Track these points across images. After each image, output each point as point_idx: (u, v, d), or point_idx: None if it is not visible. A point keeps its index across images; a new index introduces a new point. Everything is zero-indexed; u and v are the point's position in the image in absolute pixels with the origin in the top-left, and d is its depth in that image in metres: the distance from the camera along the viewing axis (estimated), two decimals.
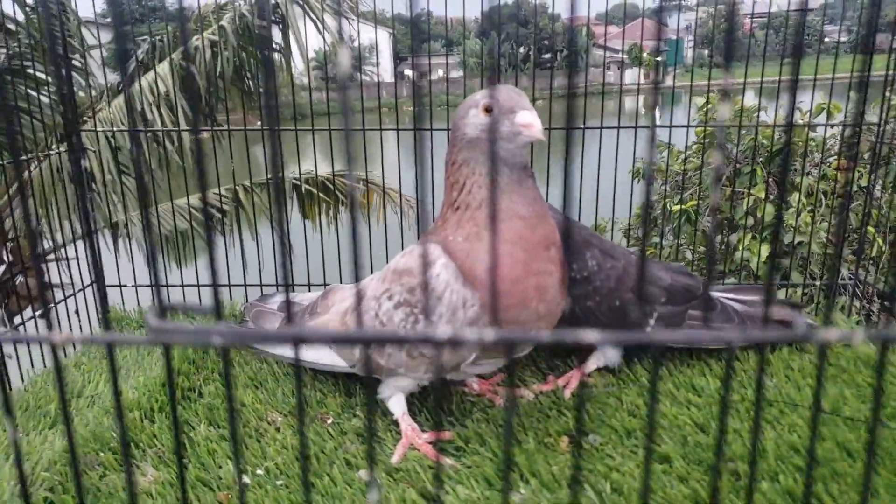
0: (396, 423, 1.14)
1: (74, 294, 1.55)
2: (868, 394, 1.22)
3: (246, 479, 1.02)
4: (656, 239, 3.38)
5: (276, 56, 4.63)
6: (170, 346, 0.40)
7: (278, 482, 1.02)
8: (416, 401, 1.22)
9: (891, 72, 1.62)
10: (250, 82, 4.38)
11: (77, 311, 1.49)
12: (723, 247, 2.80)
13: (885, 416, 1.15)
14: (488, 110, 0.97)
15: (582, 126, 1.73)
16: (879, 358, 0.41)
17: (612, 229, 3.41)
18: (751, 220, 3.22)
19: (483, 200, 0.99)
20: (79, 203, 2.08)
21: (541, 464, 1.05)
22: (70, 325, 1.50)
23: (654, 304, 1.28)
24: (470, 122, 0.99)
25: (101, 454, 1.05)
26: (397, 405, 1.15)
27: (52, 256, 3.74)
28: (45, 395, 1.21)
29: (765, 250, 2.94)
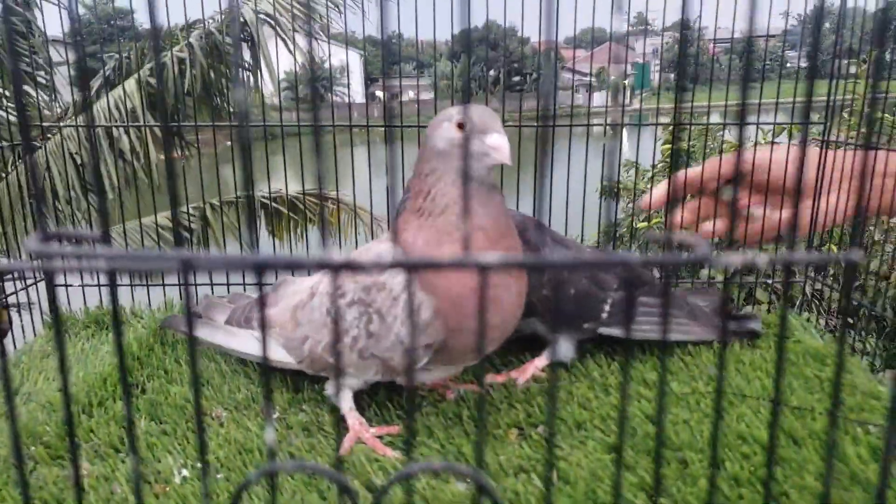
0: (344, 419, 1.12)
1: (18, 291, 1.51)
2: (815, 385, 1.23)
3: (185, 472, 0.99)
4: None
5: (246, 75, 4.64)
6: (52, 275, 0.39)
7: (219, 475, 0.99)
8: (365, 396, 1.20)
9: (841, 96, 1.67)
10: (219, 100, 4.36)
11: (21, 307, 1.46)
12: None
13: (851, 410, 1.15)
14: (461, 126, 0.97)
15: (553, 125, 1.74)
16: (785, 288, 0.41)
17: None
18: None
19: (446, 208, 0.99)
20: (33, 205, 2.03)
21: (489, 454, 1.03)
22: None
23: (608, 290, 1.28)
24: (442, 136, 0.99)
25: (33, 448, 1.01)
26: (344, 401, 1.12)
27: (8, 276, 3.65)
28: None
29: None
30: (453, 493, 0.95)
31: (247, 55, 4.52)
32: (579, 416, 1.14)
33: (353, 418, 1.11)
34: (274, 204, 4.75)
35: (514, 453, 1.04)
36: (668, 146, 3.61)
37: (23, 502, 0.77)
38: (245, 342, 1.21)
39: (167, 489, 0.96)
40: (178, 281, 1.62)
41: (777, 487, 0.95)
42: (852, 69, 2.27)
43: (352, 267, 0.38)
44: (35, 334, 1.54)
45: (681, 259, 0.39)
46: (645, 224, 3.65)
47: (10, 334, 1.68)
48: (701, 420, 1.12)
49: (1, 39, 3.12)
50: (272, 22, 4.42)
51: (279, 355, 1.14)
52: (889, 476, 0.42)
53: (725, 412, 1.14)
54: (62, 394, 0.40)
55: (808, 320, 1.57)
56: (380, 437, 1.09)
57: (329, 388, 1.16)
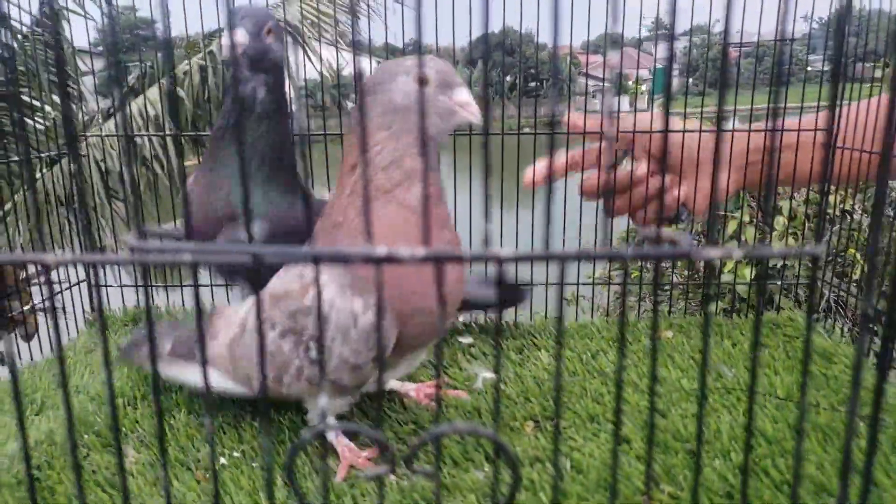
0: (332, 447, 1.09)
1: (55, 294, 1.61)
2: (820, 382, 1.29)
3: (223, 460, 1.08)
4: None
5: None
6: (147, 266, 0.47)
7: (254, 464, 1.08)
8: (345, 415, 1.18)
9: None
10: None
11: (63, 308, 1.56)
12: (708, 270, 2.86)
13: (836, 402, 1.22)
14: (422, 82, 0.88)
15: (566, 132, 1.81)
16: (762, 274, 0.48)
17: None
18: (734, 244, 3.30)
19: (393, 163, 0.90)
20: (77, 213, 2.15)
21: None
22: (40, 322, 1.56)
23: None
24: (399, 89, 0.88)
25: (86, 436, 1.11)
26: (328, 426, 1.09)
27: (37, 280, 3.78)
28: (31, 385, 1.27)
29: (747, 272, 3.00)
30: (472, 481, 1.03)
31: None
32: (592, 410, 1.21)
33: (341, 445, 1.06)
34: None
35: (529, 444, 1.12)
36: None
37: (76, 484, 0.87)
38: (196, 376, 1.13)
39: (207, 475, 1.04)
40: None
41: (779, 476, 1.02)
42: (877, 73, 2.31)
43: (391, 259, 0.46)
44: (68, 334, 1.64)
45: (667, 252, 0.47)
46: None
47: (37, 336, 1.79)
48: (708, 413, 1.19)
49: (38, 52, 3.26)
50: (293, 32, 4.52)
51: (229, 386, 1.09)
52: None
53: (734, 407, 1.21)
54: (107, 387, 0.47)
55: (816, 320, 1.63)
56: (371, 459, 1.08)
57: (311, 418, 1.12)
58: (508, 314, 1.63)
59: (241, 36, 1.12)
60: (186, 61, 4.37)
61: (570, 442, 1.12)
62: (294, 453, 0.49)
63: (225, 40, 1.14)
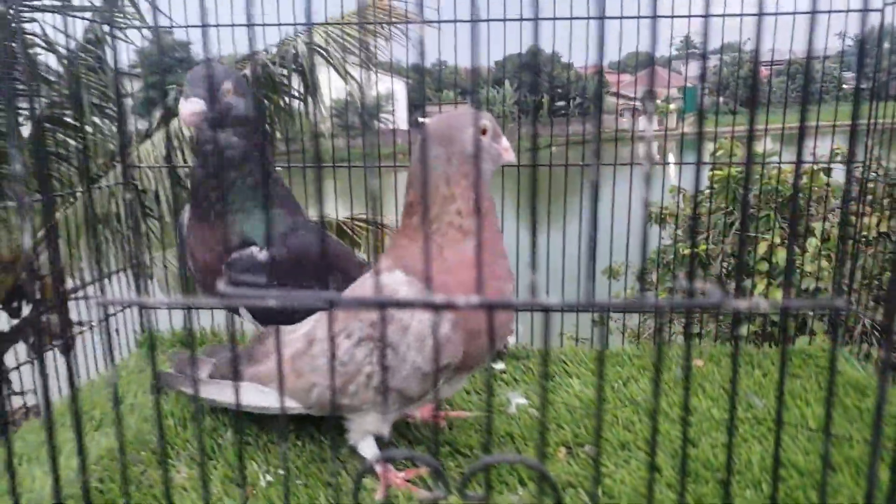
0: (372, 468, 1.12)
1: (109, 316, 1.70)
2: (853, 414, 1.32)
3: (269, 477, 1.14)
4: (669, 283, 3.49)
5: (296, 103, 4.89)
6: (235, 309, 0.54)
7: (298, 481, 1.14)
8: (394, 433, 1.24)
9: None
10: (270, 128, 4.60)
11: (117, 330, 1.64)
12: (737, 292, 2.86)
13: (870, 434, 1.24)
14: (485, 132, 1.08)
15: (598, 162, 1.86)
16: (783, 328, 0.53)
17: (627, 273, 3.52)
18: (765, 266, 3.29)
19: (472, 208, 1.04)
20: (125, 235, 2.24)
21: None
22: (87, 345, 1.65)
23: None
24: (467, 139, 1.04)
25: (142, 453, 1.18)
26: (368, 449, 1.15)
27: (78, 294, 3.91)
28: (89, 402, 1.35)
29: (777, 295, 3.02)
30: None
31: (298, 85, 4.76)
32: (623, 437, 1.26)
33: (380, 466, 1.13)
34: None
35: (562, 469, 1.16)
36: (718, 172, 3.67)
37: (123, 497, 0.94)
38: (249, 395, 1.17)
39: (254, 491, 1.11)
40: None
41: None
42: None
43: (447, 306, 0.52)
44: (120, 354, 1.73)
45: (698, 303, 0.52)
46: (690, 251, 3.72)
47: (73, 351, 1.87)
48: (739, 444, 1.22)
49: (78, 75, 3.40)
50: (325, 53, 4.65)
51: (278, 403, 1.14)
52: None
53: (764, 438, 1.25)
54: (155, 409, 0.54)
55: (850, 352, 1.66)
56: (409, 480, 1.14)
57: (351, 437, 1.16)
58: (537, 340, 1.68)
59: (197, 104, 1.21)
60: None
61: (602, 468, 1.17)
62: (360, 479, 0.55)
63: (183, 108, 1.22)
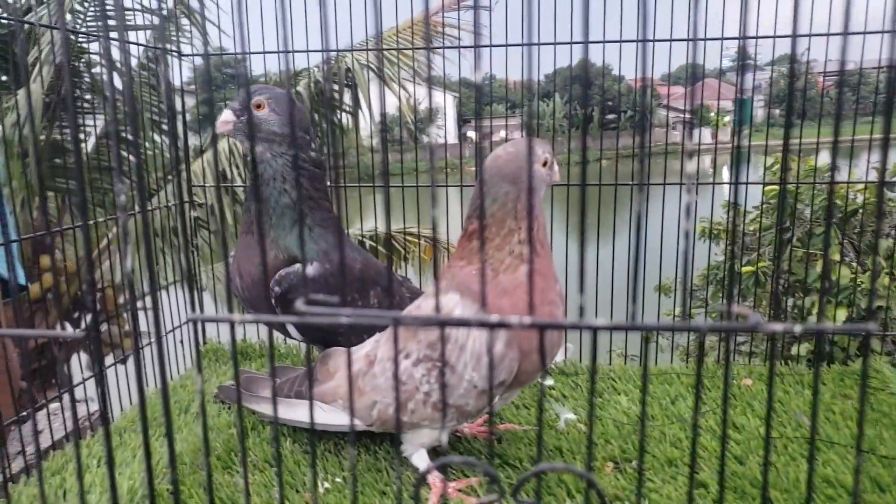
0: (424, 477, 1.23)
1: (168, 332, 1.81)
2: None
3: (326, 484, 1.22)
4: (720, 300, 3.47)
5: (346, 118, 5.04)
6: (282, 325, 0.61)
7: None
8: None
9: None
10: (322, 144, 4.75)
11: (181, 341, 1.75)
12: (795, 311, 2.83)
13: None
14: (545, 164, 1.17)
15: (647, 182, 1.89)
16: (817, 350, 0.57)
17: (676, 290, 3.52)
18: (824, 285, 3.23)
19: (528, 240, 1.12)
20: (181, 249, 2.37)
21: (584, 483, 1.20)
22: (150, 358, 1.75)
23: None
24: (538, 175, 1.17)
25: (209, 459, 1.27)
26: (421, 460, 1.22)
27: (140, 304, 4.10)
28: (158, 410, 1.45)
29: (841, 314, 2.97)
30: None
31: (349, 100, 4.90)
32: (671, 454, 1.29)
33: (433, 476, 1.20)
34: (370, 242, 5.08)
35: (609, 484, 1.21)
36: (772, 188, 3.64)
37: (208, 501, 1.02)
38: (307, 413, 1.21)
39: (313, 496, 1.18)
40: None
41: None
42: None
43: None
44: (184, 365, 1.84)
45: (736, 326, 0.57)
46: (749, 268, 3.70)
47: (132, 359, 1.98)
48: (787, 463, 1.25)
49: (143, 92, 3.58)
50: (375, 69, 4.78)
51: (345, 421, 1.25)
52: None
53: (814, 457, 1.27)
54: (202, 423, 0.60)
55: None
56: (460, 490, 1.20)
57: (406, 449, 1.23)
58: (586, 357, 1.72)
59: (227, 115, 1.32)
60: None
61: (649, 483, 1.21)
62: (419, 486, 0.61)
63: (218, 118, 1.32)
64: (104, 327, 4.30)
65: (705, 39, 1.72)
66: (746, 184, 1.87)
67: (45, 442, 1.43)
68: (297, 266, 1.35)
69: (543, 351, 1.05)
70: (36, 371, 3.34)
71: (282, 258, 1.36)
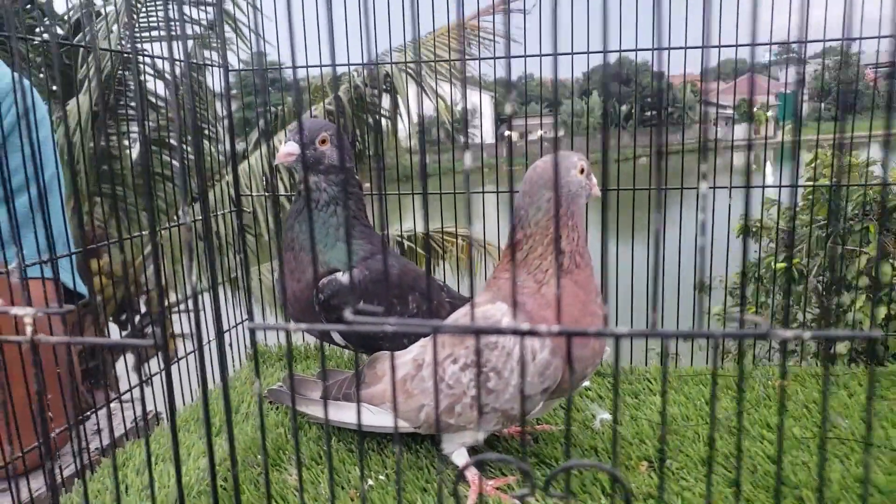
0: (463, 475, 1.27)
1: (225, 332, 1.91)
2: None
3: (370, 481, 1.29)
4: (762, 298, 3.47)
5: (385, 121, 5.14)
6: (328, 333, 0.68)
7: (397, 486, 1.28)
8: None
9: None
10: (361, 147, 4.85)
11: (230, 344, 1.85)
12: (834, 308, 2.83)
13: None
14: (582, 171, 1.22)
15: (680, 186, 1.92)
16: (825, 353, 0.62)
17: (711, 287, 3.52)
18: (864, 281, 3.22)
19: (573, 249, 1.20)
20: (235, 251, 2.47)
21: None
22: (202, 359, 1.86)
23: None
24: (573, 180, 1.20)
25: (259, 456, 1.36)
26: (460, 457, 1.28)
27: (180, 308, 4.25)
28: (212, 409, 1.54)
29: (881, 313, 2.95)
30: None
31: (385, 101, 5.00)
32: (704, 453, 1.34)
33: (471, 473, 1.26)
34: (408, 242, 5.17)
35: (643, 482, 1.26)
36: (810, 184, 3.61)
37: (265, 494, 1.10)
38: (354, 415, 1.34)
39: (358, 494, 1.26)
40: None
41: None
42: None
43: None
44: (234, 367, 1.94)
45: (748, 333, 0.63)
46: (783, 265, 3.68)
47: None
48: (820, 462, 1.28)
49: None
50: (413, 71, 4.87)
51: (391, 422, 1.31)
52: None
53: (847, 458, 1.30)
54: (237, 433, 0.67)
55: None
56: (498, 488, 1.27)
57: (446, 447, 1.30)
58: (625, 359, 1.77)
59: (292, 147, 1.41)
60: (315, 106, 4.79)
61: (682, 482, 1.26)
62: (459, 480, 0.68)
63: (281, 150, 1.42)
64: (149, 329, 4.47)
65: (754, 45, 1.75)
66: (795, 186, 1.88)
67: (101, 442, 1.54)
68: (335, 275, 1.45)
69: (571, 358, 1.11)
70: (85, 372, 3.50)
71: (322, 271, 1.46)
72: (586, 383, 1.67)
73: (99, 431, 1.55)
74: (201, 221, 2.68)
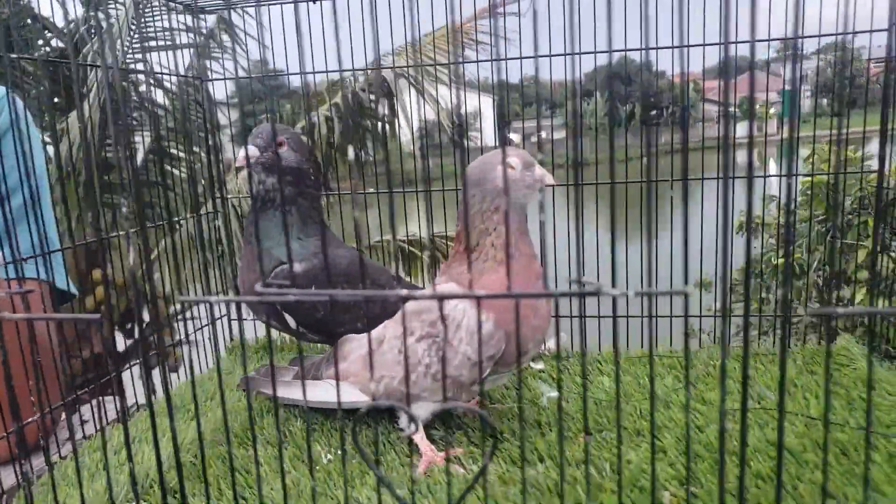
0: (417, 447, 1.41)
1: (197, 330, 2.08)
2: (859, 405, 1.47)
3: (329, 456, 1.44)
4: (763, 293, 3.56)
5: (384, 126, 5.30)
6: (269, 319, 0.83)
7: (354, 460, 1.43)
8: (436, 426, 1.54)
9: None
10: (361, 152, 5.02)
11: (210, 339, 2.01)
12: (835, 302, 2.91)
13: (884, 425, 1.40)
14: (513, 167, 1.33)
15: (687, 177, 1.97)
16: (784, 334, 0.76)
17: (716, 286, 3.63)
18: (864, 274, 3.29)
19: (504, 242, 1.33)
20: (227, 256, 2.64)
21: (557, 449, 1.40)
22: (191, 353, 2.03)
23: None
24: (500, 176, 1.31)
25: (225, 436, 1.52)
26: (417, 433, 1.41)
27: (181, 315, 4.43)
28: (188, 397, 1.71)
29: (880, 304, 3.03)
30: (528, 476, 1.32)
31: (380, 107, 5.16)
32: (639, 426, 1.47)
33: (424, 445, 1.42)
34: (409, 247, 5.32)
35: (578, 450, 1.40)
36: (808, 179, 3.68)
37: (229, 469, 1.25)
38: (325, 392, 1.51)
39: (317, 467, 1.41)
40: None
41: (791, 482, 1.24)
42: None
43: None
44: (216, 360, 2.10)
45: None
46: (783, 260, 3.77)
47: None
48: (739, 428, 1.41)
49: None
50: (411, 79, 5.03)
51: (354, 397, 1.46)
52: None
53: (766, 425, 1.43)
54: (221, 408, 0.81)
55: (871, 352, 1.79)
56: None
57: (402, 422, 1.47)
58: (577, 344, 1.91)
59: (251, 150, 1.55)
60: (314, 112, 4.97)
61: (615, 450, 1.39)
62: (410, 444, 0.83)
63: (239, 154, 1.57)
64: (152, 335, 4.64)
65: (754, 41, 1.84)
66: (795, 175, 1.96)
67: (89, 430, 1.70)
68: (285, 266, 1.58)
69: (518, 322, 1.24)
70: (88, 381, 3.68)
71: (272, 265, 1.60)
72: (540, 366, 1.81)
73: (82, 424, 1.72)
74: (201, 226, 2.84)
